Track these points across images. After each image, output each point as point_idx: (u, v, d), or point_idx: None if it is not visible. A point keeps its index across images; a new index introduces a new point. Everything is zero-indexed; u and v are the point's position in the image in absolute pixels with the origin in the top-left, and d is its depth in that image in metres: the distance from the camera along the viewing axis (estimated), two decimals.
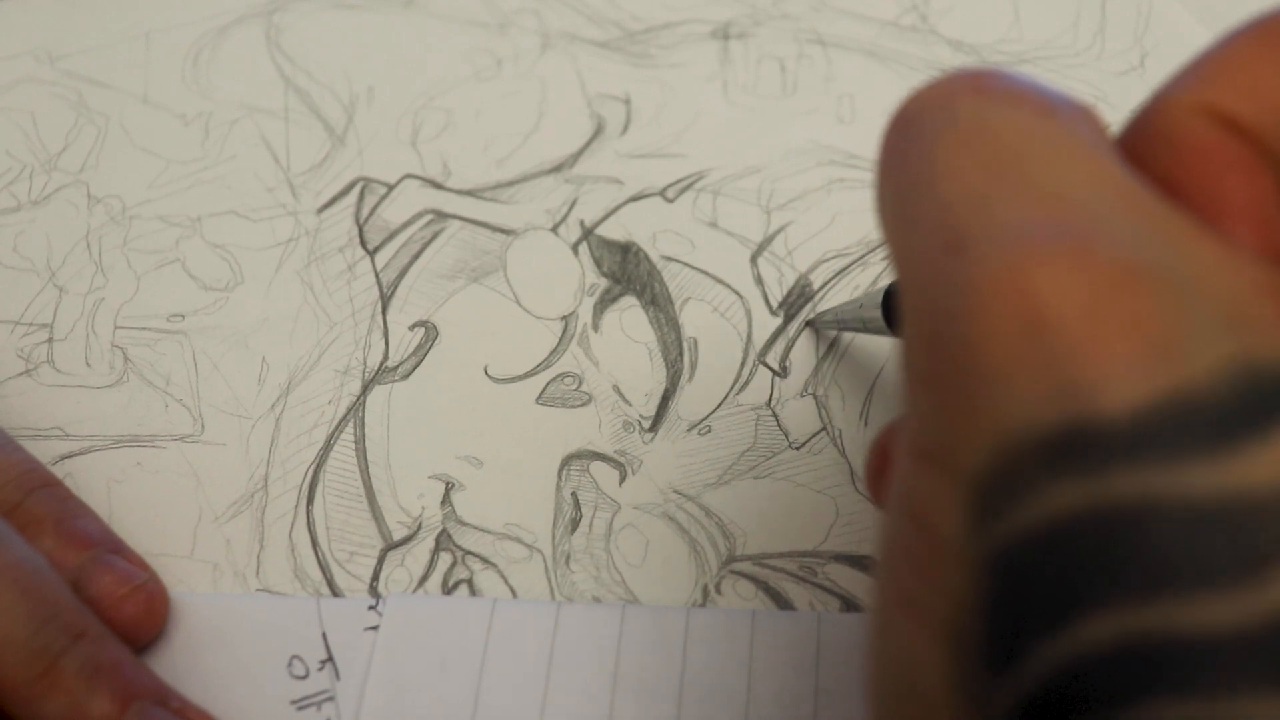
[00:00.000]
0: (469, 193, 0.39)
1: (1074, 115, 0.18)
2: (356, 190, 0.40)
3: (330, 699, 0.30)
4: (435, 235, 0.38)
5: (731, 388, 0.35)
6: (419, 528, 0.33)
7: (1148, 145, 0.19)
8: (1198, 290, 0.15)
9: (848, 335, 0.36)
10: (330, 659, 0.30)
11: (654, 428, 0.34)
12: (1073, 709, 0.14)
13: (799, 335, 0.36)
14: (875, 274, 0.37)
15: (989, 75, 0.19)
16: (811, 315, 0.36)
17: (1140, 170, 0.18)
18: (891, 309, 0.31)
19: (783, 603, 0.31)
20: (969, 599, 0.15)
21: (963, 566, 0.15)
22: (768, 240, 0.38)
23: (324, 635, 0.31)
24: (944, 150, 0.17)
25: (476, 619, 0.31)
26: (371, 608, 0.31)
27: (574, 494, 0.33)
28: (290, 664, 0.30)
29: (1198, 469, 0.14)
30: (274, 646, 0.30)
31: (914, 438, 0.17)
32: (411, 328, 0.36)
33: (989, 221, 0.16)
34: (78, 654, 0.28)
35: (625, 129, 0.41)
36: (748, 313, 0.37)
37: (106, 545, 0.32)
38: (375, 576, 0.32)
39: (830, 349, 0.36)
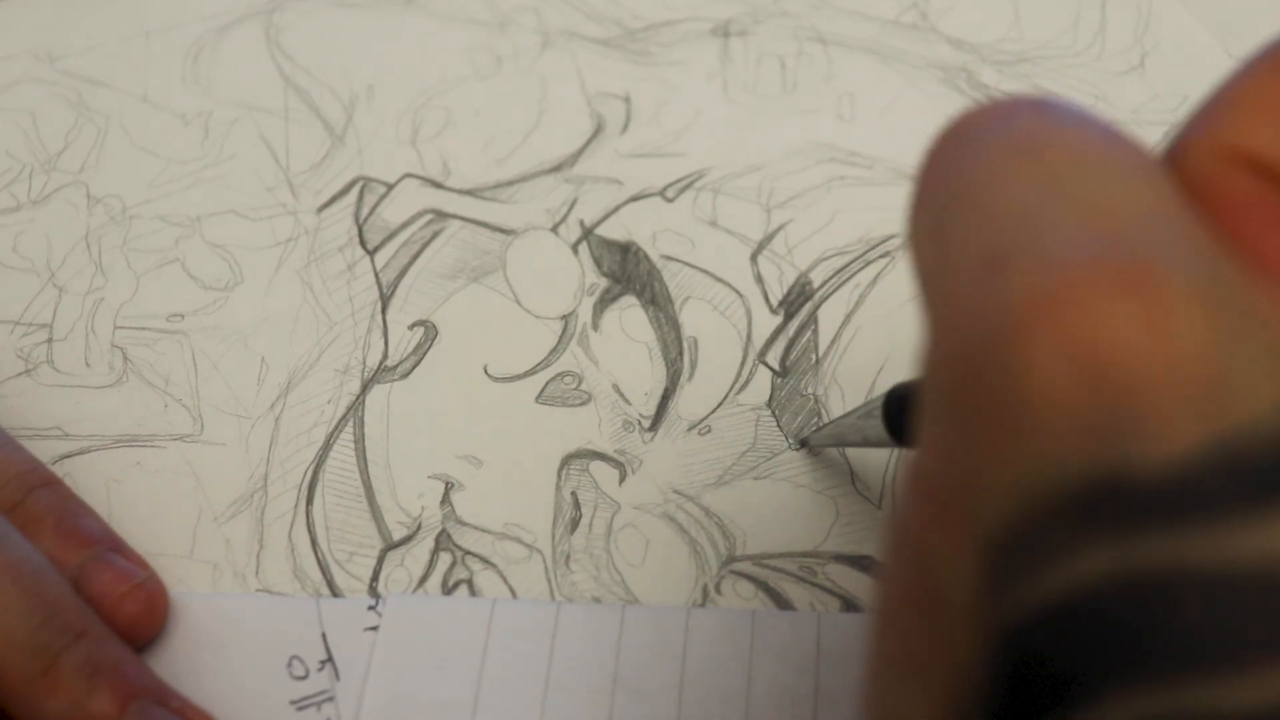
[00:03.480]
0: (469, 192, 0.39)
1: (1129, 140, 0.16)
2: (356, 190, 0.40)
3: (330, 699, 0.30)
4: (435, 235, 0.38)
5: (731, 387, 0.35)
6: (418, 528, 0.33)
7: None
8: (1253, 325, 0.14)
9: (849, 331, 0.36)
10: (330, 659, 0.30)
11: (654, 427, 0.34)
12: None
13: (801, 442, 0.34)
14: (876, 272, 0.37)
15: (1050, 98, 0.17)
16: (807, 433, 0.34)
17: None
18: (894, 418, 0.28)
19: (783, 603, 0.31)
20: (976, 672, 0.14)
21: (972, 634, 0.14)
22: (768, 239, 0.38)
23: (324, 635, 0.31)
24: (996, 159, 0.16)
25: (476, 619, 0.31)
26: (371, 608, 0.31)
27: (574, 494, 0.33)
28: (290, 664, 0.30)
29: (1241, 530, 0.13)
30: (273, 647, 0.30)
31: (926, 474, 0.15)
32: (411, 327, 0.36)
33: (1035, 237, 0.14)
34: (78, 653, 0.28)
35: (625, 127, 0.41)
36: (748, 311, 0.36)
37: (107, 544, 0.32)
38: (375, 576, 0.32)
39: (831, 348, 0.36)
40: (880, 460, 0.33)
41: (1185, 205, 0.15)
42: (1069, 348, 0.13)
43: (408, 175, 0.40)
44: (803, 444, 0.34)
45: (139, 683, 0.29)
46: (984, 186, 0.15)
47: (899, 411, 0.28)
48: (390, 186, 0.40)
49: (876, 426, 0.29)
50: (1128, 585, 0.13)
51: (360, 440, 0.34)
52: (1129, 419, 0.13)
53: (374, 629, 0.31)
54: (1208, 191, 0.16)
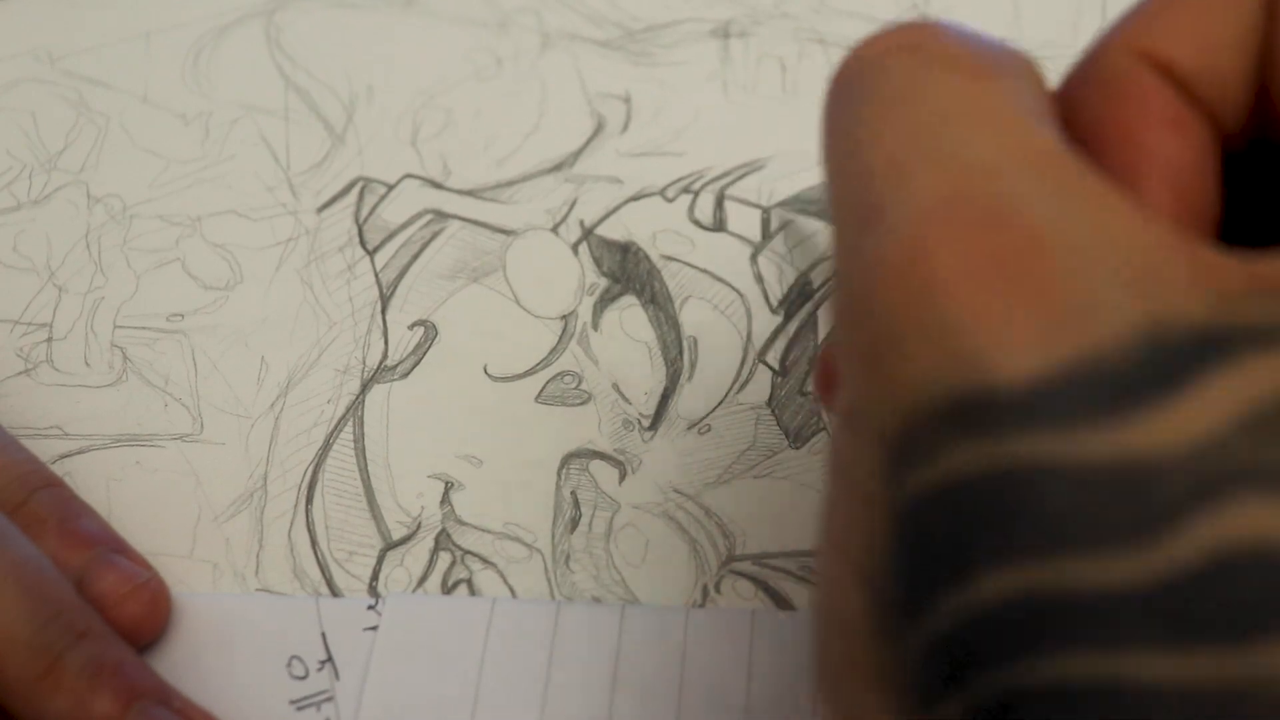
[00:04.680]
0: (469, 192, 0.39)
1: (1010, 74, 0.18)
2: (356, 190, 0.40)
3: (330, 699, 0.30)
4: (435, 235, 0.38)
5: (731, 387, 0.35)
6: (418, 527, 0.33)
7: (1084, 90, 0.19)
8: (1106, 255, 0.15)
9: None
10: (329, 659, 0.30)
11: (654, 426, 0.34)
12: (972, 659, 0.15)
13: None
14: None
15: (927, 31, 0.19)
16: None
17: (1074, 117, 0.18)
18: None
19: (783, 603, 0.31)
20: (882, 548, 0.16)
21: (877, 517, 0.16)
22: (768, 239, 0.38)
23: (323, 635, 0.31)
24: (870, 116, 0.18)
25: (476, 619, 0.31)
26: (371, 608, 0.31)
27: (574, 493, 0.33)
28: (290, 664, 0.30)
29: (1098, 433, 0.14)
30: (273, 647, 0.30)
31: (843, 398, 0.17)
32: (411, 327, 0.36)
33: (901, 194, 0.16)
34: (80, 653, 0.28)
35: (625, 128, 0.41)
36: (748, 311, 0.37)
37: (109, 545, 0.32)
38: (374, 576, 0.32)
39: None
40: None
41: (1051, 140, 0.17)
42: (918, 289, 0.16)
43: (408, 175, 0.40)
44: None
45: (141, 683, 0.29)
46: (861, 145, 0.17)
47: None
48: (390, 187, 0.40)
49: None
50: (992, 478, 0.15)
51: (360, 440, 0.34)
52: (977, 347, 0.15)
53: (373, 629, 0.31)
54: (1114, 86, 0.18)
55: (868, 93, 0.18)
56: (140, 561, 0.32)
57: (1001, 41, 0.19)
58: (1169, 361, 0.15)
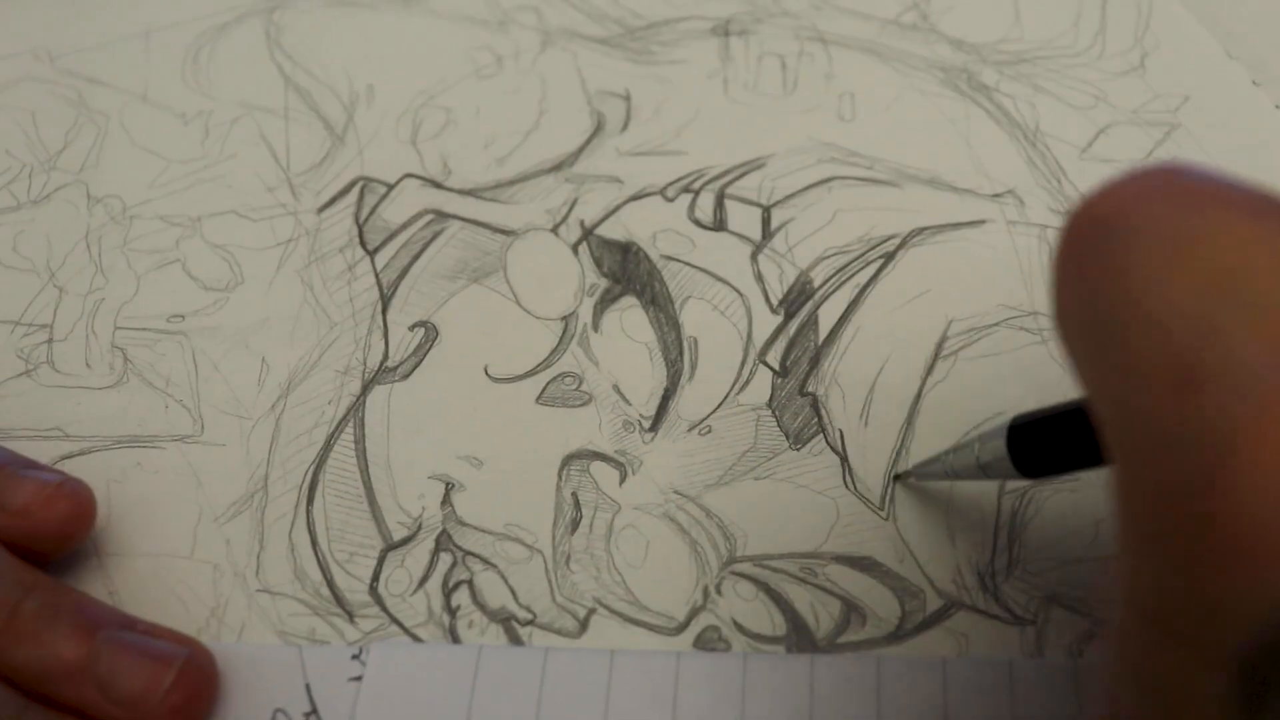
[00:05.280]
0: (469, 192, 0.39)
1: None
2: (357, 190, 0.40)
3: None
4: (435, 235, 0.38)
5: (731, 387, 0.35)
6: (419, 528, 0.33)
7: None
8: None
9: (849, 331, 0.36)
10: (314, 711, 0.30)
11: (654, 428, 0.34)
12: None
13: (895, 476, 0.33)
14: (874, 271, 0.37)
15: (1181, 174, 0.16)
16: (902, 469, 0.33)
17: None
18: (1021, 452, 0.28)
19: (783, 603, 0.31)
20: None
21: None
22: (768, 237, 0.38)
23: (307, 686, 0.30)
24: (1151, 265, 0.16)
25: (462, 667, 0.30)
26: (355, 657, 0.31)
27: (574, 494, 0.33)
28: (274, 717, 0.30)
29: None
30: (258, 699, 0.30)
31: (1146, 599, 0.15)
32: (411, 328, 0.36)
33: (1225, 355, 0.14)
34: (34, 601, 0.29)
35: (625, 126, 0.41)
36: (748, 310, 0.36)
37: (20, 464, 0.32)
38: (375, 577, 0.32)
39: (832, 347, 0.36)
40: (880, 462, 0.33)
41: None
42: None
43: (408, 175, 0.40)
44: (897, 478, 0.33)
45: (101, 615, 0.29)
46: (1148, 297, 0.15)
47: (1026, 445, 0.27)
48: (390, 187, 0.40)
49: (1001, 460, 0.28)
50: None
51: (361, 441, 0.34)
52: None
53: (358, 678, 0.30)
54: None
55: (1139, 240, 0.16)
56: (52, 472, 0.32)
57: (1245, 177, 0.17)
58: None
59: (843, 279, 0.37)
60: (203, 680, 0.29)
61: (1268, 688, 0.13)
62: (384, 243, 0.38)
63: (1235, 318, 0.15)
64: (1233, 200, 0.16)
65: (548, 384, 0.35)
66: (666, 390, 0.35)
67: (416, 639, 0.31)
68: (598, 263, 0.38)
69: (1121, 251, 0.16)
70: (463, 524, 0.33)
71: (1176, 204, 0.16)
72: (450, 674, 0.30)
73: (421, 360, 0.36)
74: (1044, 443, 0.27)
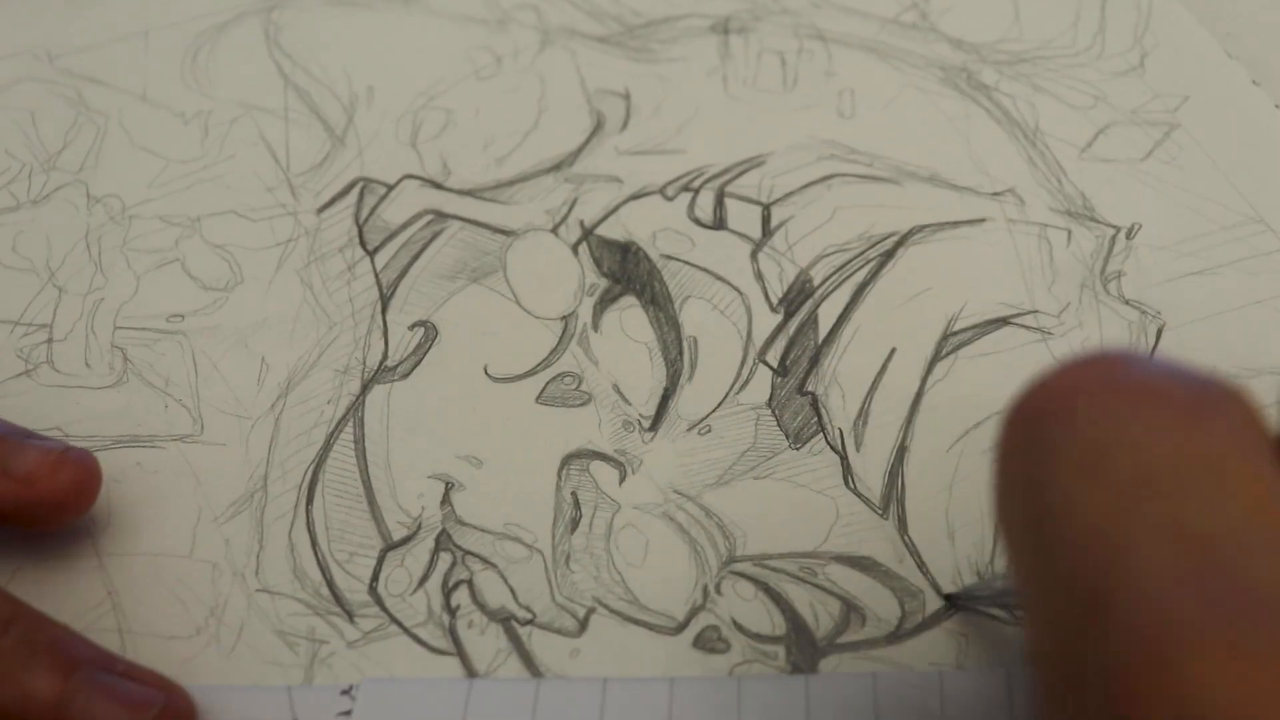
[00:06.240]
0: (469, 192, 0.39)
1: (1222, 410, 0.15)
2: (356, 190, 0.40)
3: None
4: (435, 235, 0.38)
5: (731, 387, 0.35)
6: (419, 528, 0.33)
7: None
8: None
9: (849, 330, 0.36)
10: None
11: (654, 427, 0.34)
12: None
13: (948, 597, 0.31)
14: (874, 269, 0.37)
15: (1120, 366, 0.16)
16: (954, 589, 0.31)
17: None
18: None
19: (783, 603, 0.31)
20: None
21: None
22: (768, 236, 0.38)
23: None
24: (1067, 474, 0.15)
25: (452, 702, 0.30)
26: (344, 693, 0.30)
27: (574, 494, 0.33)
28: None
29: None
30: None
31: None
32: (411, 328, 0.36)
33: (1130, 581, 0.14)
34: (10, 637, 0.28)
35: (625, 124, 0.41)
36: (748, 309, 0.36)
37: (20, 434, 0.31)
38: (375, 577, 0.32)
39: (832, 346, 0.36)
40: (880, 461, 0.33)
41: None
42: (1183, 711, 0.13)
43: (408, 176, 0.40)
44: (949, 599, 0.31)
45: (79, 653, 0.28)
46: (1066, 510, 0.15)
47: None
48: (390, 187, 0.40)
49: None
50: None
51: (360, 440, 0.34)
52: None
53: (347, 714, 0.30)
54: None
55: (1061, 443, 0.16)
56: (58, 444, 0.31)
57: (1202, 370, 0.16)
58: None
59: (842, 277, 0.37)
60: None
61: None
62: (384, 243, 0.38)
63: (1143, 537, 0.14)
64: (1168, 398, 0.15)
65: (547, 384, 0.35)
66: (666, 390, 0.35)
67: (416, 639, 0.31)
68: (597, 262, 0.38)
69: (1045, 459, 0.16)
70: (462, 523, 0.33)
71: (1105, 405, 0.16)
72: (440, 708, 0.30)
73: (421, 360, 0.36)
74: None
